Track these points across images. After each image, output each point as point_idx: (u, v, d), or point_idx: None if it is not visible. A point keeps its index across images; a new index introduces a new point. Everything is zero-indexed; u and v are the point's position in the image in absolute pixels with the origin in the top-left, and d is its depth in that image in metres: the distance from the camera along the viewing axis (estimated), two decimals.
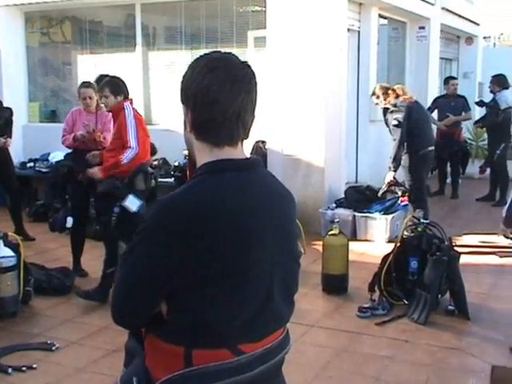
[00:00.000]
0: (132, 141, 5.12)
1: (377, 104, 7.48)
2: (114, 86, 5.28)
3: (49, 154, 9.34)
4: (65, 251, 6.48)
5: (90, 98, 6.00)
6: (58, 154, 8.69)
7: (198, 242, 1.61)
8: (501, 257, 6.72)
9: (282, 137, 7.88)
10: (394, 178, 7.17)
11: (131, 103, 5.33)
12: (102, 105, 5.56)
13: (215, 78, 1.67)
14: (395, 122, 6.94)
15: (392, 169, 7.07)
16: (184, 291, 1.65)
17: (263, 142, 8.20)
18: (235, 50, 8.80)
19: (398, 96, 7.15)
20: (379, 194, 7.50)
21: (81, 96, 6.06)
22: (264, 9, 8.05)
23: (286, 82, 7.76)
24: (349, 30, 8.75)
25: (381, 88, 7.37)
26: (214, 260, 1.62)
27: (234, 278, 1.66)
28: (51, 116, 10.54)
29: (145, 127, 5.38)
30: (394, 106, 7.09)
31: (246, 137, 1.76)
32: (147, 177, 5.38)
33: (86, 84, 6.11)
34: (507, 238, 4.55)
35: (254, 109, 1.75)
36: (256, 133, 8.79)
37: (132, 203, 5.11)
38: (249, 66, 1.76)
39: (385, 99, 7.19)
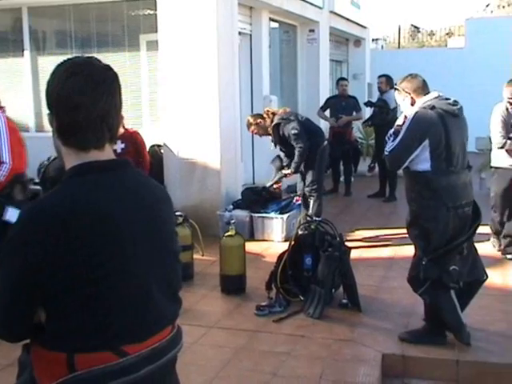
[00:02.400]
0: (5, 155, 4.91)
1: (256, 133, 7.51)
2: None
3: None
4: None
5: None
6: None
7: (65, 248, 1.61)
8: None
9: (177, 140, 7.88)
10: (289, 175, 7.39)
11: (3, 111, 5.11)
12: None
13: (76, 83, 1.68)
14: (295, 131, 7.04)
15: (292, 170, 7.24)
16: (58, 296, 1.65)
17: (159, 145, 8.18)
18: (127, 54, 8.74)
19: (274, 114, 7.29)
20: (268, 184, 7.69)
21: None
22: (155, 12, 8.03)
23: (180, 85, 7.77)
24: (240, 33, 8.87)
25: (254, 116, 7.48)
26: (84, 263, 1.63)
27: (106, 279, 1.66)
28: None
29: (19, 136, 5.17)
30: (282, 119, 7.22)
31: (113, 139, 1.78)
32: (25, 187, 5.22)
33: None
34: None
35: (119, 111, 1.77)
36: (151, 137, 8.66)
37: (12, 216, 4.88)
38: (111, 69, 1.76)
39: (265, 123, 7.28)
